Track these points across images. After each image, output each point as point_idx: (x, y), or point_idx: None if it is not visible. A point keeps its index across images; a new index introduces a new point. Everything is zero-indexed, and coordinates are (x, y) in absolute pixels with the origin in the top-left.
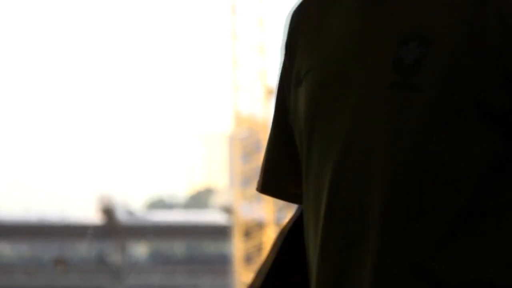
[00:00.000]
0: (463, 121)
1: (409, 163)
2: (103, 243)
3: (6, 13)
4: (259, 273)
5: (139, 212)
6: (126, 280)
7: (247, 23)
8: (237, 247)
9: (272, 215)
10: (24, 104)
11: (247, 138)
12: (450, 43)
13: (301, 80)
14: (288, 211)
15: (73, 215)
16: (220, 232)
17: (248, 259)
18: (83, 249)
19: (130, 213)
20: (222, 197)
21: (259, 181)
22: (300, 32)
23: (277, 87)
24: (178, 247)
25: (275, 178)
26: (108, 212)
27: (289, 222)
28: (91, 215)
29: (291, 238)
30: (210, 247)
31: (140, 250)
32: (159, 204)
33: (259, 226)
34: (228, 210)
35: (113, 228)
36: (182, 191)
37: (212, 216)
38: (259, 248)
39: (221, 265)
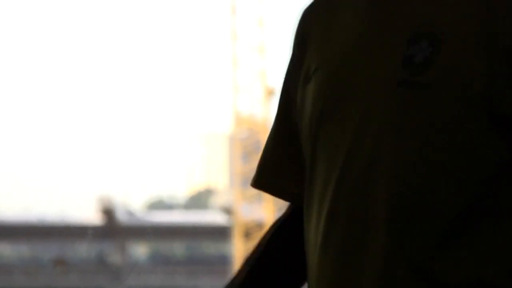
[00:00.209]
0: (471, 121)
1: (414, 162)
2: (103, 244)
3: (6, 13)
4: (242, 269)
5: (139, 212)
6: (126, 280)
7: (247, 23)
8: (237, 247)
9: (272, 215)
10: (24, 104)
11: (247, 138)
12: (461, 42)
13: (310, 78)
14: None
15: (73, 216)
16: (220, 233)
17: None
18: (83, 250)
19: (130, 213)
20: (222, 198)
21: (254, 176)
22: (311, 30)
23: (282, 84)
24: (178, 248)
25: (271, 175)
26: (108, 212)
27: (278, 219)
28: (91, 216)
29: (279, 235)
30: (210, 248)
31: (140, 250)
32: (159, 205)
33: (259, 226)
34: (228, 210)
35: (113, 229)
36: (182, 191)
37: (212, 217)
38: None
39: (221, 265)
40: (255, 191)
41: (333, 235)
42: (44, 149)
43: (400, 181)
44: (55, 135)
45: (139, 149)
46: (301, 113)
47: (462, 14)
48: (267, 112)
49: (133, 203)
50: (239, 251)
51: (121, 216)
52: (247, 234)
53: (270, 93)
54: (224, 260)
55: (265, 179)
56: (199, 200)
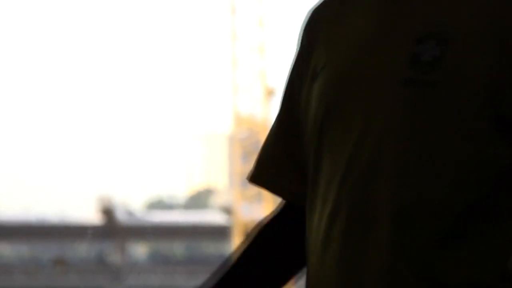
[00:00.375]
0: (475, 122)
1: (417, 161)
2: (102, 244)
3: (6, 13)
4: (224, 264)
5: (139, 212)
6: (126, 280)
7: (247, 23)
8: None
9: None
10: (24, 104)
11: (247, 139)
12: (468, 43)
13: (316, 76)
14: None
15: (73, 216)
16: (220, 233)
17: None
18: (82, 250)
19: (130, 213)
20: (221, 198)
21: (251, 171)
22: (320, 30)
23: (286, 83)
24: (177, 248)
25: (269, 171)
26: (108, 212)
27: (266, 217)
28: (91, 216)
29: (266, 232)
30: (209, 248)
31: (139, 250)
32: (158, 205)
33: None
34: (227, 210)
35: (112, 229)
36: (181, 191)
37: (211, 217)
38: None
39: None
40: (255, 191)
41: (334, 235)
42: (44, 149)
43: (402, 180)
44: (55, 135)
45: (139, 149)
46: (306, 111)
47: (470, 14)
48: (267, 112)
49: (133, 203)
50: None
51: (121, 216)
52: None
53: (270, 93)
54: (224, 260)
55: (263, 174)
56: (199, 200)
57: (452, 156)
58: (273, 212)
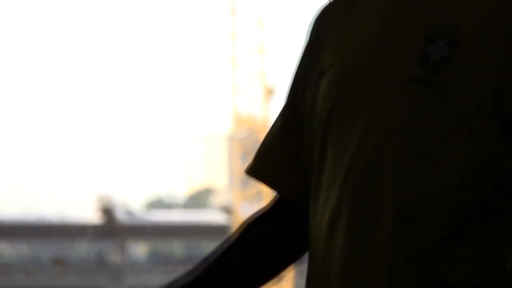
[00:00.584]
0: (478, 122)
1: (419, 161)
2: (102, 243)
3: (6, 13)
4: (206, 259)
5: (139, 212)
6: (126, 280)
7: (247, 23)
8: None
9: None
10: (24, 104)
11: (247, 138)
12: (477, 44)
13: (323, 74)
14: None
15: (73, 215)
16: (220, 232)
17: None
18: (82, 249)
19: (130, 213)
20: (221, 197)
21: (250, 164)
22: (328, 29)
23: (292, 81)
24: (177, 247)
25: (267, 164)
26: (108, 212)
27: (257, 213)
28: (91, 215)
29: (254, 226)
30: (209, 247)
31: (139, 250)
32: (158, 204)
33: None
34: (227, 210)
35: (112, 228)
36: (181, 191)
37: (211, 216)
38: None
39: None
40: (254, 190)
41: (336, 235)
42: (44, 149)
43: (402, 180)
44: (55, 135)
45: (139, 149)
46: (311, 109)
47: (480, 16)
48: (266, 112)
49: (133, 202)
50: None
51: (121, 216)
52: None
53: (270, 93)
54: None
55: (261, 168)
56: (198, 200)
57: (453, 157)
58: (264, 207)
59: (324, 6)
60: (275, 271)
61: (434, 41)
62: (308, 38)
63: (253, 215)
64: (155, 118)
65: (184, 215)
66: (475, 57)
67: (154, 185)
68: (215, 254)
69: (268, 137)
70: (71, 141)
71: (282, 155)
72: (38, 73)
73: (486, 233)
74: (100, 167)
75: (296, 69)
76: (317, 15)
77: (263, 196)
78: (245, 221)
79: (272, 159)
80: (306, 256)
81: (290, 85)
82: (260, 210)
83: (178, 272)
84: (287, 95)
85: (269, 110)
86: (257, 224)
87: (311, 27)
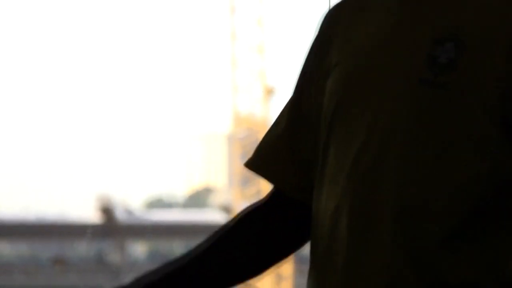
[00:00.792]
0: (485, 126)
1: (422, 162)
2: (102, 243)
3: (6, 13)
4: (191, 251)
5: (138, 211)
6: (125, 279)
7: (247, 23)
8: None
9: None
10: (24, 104)
11: (246, 138)
12: (485, 48)
13: (330, 72)
14: None
15: (72, 215)
16: None
17: None
18: (82, 249)
19: (129, 212)
20: (221, 197)
21: (250, 158)
22: (336, 30)
23: (297, 80)
24: (177, 247)
25: (268, 158)
26: (107, 211)
27: (253, 204)
28: (90, 215)
29: (247, 219)
30: None
31: (139, 249)
32: (158, 204)
33: None
34: (227, 209)
35: (112, 228)
36: (181, 190)
37: (211, 216)
38: None
39: None
40: (254, 190)
41: (337, 235)
42: (44, 149)
43: (404, 181)
44: (54, 135)
45: (138, 149)
46: (317, 107)
47: (488, 20)
48: (266, 112)
49: (132, 202)
50: None
51: (120, 215)
52: None
53: (270, 93)
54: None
55: (261, 161)
56: (198, 199)
57: (455, 158)
58: (259, 200)
59: (333, 6)
60: (265, 264)
61: (442, 43)
62: (315, 37)
63: (248, 207)
64: (155, 118)
65: (184, 215)
66: (481, 60)
67: (154, 184)
68: (203, 245)
69: (270, 132)
70: (71, 141)
71: (282, 150)
72: (38, 73)
73: (486, 234)
74: (100, 167)
75: (302, 68)
76: (325, 15)
77: (262, 195)
78: (240, 212)
79: (272, 153)
80: (306, 256)
81: (296, 83)
82: (255, 203)
83: None
84: (292, 93)
85: (269, 110)
86: (250, 216)
87: (319, 26)
